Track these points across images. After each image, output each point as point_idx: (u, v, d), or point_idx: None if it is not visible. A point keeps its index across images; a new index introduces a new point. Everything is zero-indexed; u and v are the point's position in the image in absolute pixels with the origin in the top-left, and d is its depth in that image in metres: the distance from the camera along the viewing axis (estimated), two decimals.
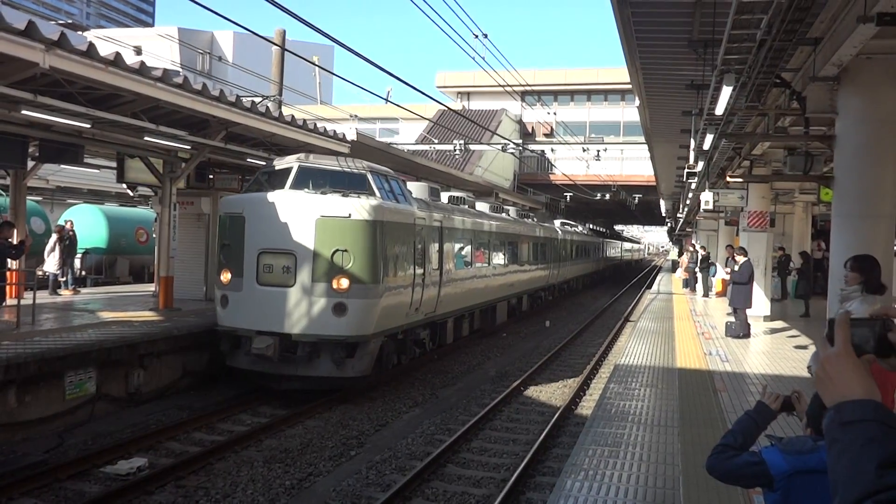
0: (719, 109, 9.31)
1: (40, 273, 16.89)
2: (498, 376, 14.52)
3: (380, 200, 11.86)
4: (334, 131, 16.59)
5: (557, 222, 32.93)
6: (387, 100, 23.87)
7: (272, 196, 11.68)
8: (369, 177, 12.23)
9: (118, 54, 10.06)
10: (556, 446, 9.75)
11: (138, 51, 20.38)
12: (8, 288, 12.93)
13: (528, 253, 23.77)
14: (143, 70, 10.49)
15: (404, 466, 8.72)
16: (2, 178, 18.87)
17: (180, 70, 16.41)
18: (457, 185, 27.08)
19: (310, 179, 11.96)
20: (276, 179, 12.20)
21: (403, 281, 12.54)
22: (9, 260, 12.37)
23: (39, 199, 23.89)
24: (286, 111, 16.85)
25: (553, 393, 13.14)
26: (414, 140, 36.53)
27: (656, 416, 8.49)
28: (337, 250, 11.18)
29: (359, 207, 11.36)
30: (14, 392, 9.15)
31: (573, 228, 35.98)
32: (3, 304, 12.56)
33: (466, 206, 17.93)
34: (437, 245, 14.42)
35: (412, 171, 22.58)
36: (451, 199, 17.28)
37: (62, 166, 20.71)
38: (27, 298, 12.39)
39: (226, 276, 11.78)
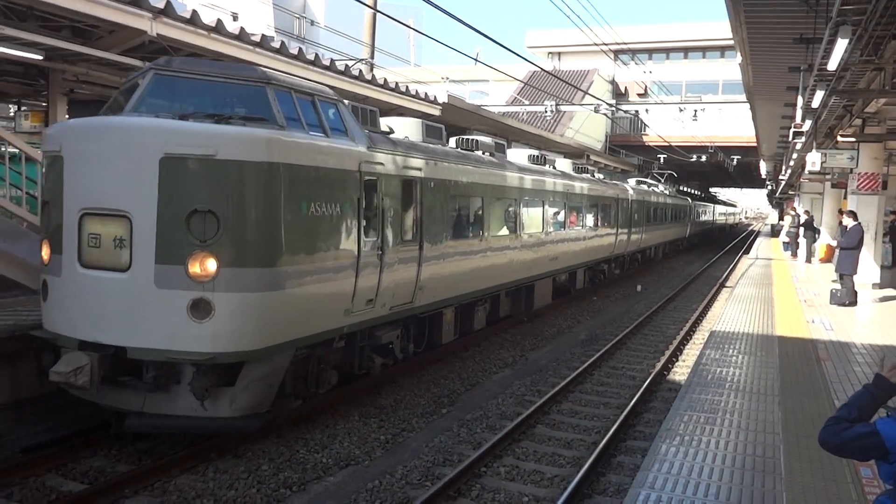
0: (832, 64, 8.79)
1: None
2: (588, 340, 14.44)
3: (280, 130, 7.31)
4: (426, 93, 16.63)
5: (631, 181, 29.28)
6: (476, 60, 23.59)
7: (100, 123, 7.37)
8: (269, 93, 7.56)
9: (219, 21, 10.38)
10: (647, 411, 9.65)
11: (235, 17, 20.94)
12: None
13: (582, 217, 19.04)
14: (242, 36, 10.80)
15: (495, 426, 8.85)
16: None
17: (274, 35, 16.75)
18: (548, 146, 26.73)
19: (174, 97, 7.59)
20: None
21: (334, 259, 8.04)
22: None
23: None
24: (378, 74, 16.99)
25: (645, 358, 12.96)
26: (504, 101, 36.19)
27: (755, 384, 8.28)
28: (195, 211, 6.80)
29: (231, 141, 6.91)
30: None
31: (651, 188, 31.31)
32: None
33: (481, 153, 13.21)
34: (414, 205, 10.00)
35: (502, 133, 22.40)
36: (459, 142, 12.91)
37: None
38: None
39: (45, 252, 7.55)
